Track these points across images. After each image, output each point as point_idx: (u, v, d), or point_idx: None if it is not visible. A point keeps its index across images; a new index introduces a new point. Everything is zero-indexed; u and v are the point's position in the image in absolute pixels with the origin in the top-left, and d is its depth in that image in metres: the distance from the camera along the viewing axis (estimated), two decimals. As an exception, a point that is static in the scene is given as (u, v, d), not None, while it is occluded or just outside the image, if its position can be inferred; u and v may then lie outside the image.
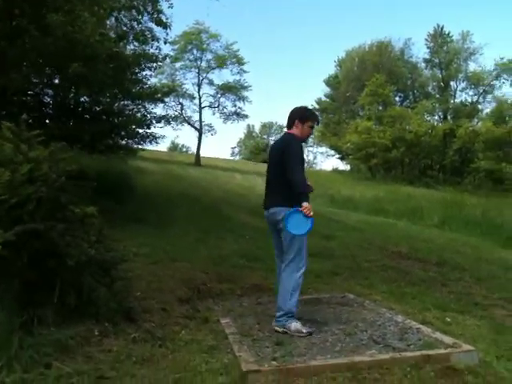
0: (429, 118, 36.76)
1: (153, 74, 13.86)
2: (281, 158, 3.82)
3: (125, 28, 11.18)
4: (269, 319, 3.87)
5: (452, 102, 37.31)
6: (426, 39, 37.91)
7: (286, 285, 3.68)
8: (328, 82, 45.08)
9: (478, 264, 7.40)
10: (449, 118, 36.86)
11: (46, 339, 2.85)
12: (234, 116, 35.99)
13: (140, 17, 10.41)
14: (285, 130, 4.30)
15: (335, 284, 5.39)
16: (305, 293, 4.88)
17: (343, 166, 43.96)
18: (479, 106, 37.15)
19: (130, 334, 3.22)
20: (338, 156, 44.64)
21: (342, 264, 6.50)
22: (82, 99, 11.60)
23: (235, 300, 4.55)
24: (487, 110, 36.33)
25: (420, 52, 40.96)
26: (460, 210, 14.12)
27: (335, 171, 39.97)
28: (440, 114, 38.13)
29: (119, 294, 3.59)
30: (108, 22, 10.98)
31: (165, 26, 10.45)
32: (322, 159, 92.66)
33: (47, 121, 10.99)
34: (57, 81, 11.25)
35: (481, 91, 36.69)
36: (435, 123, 36.27)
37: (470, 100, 37.47)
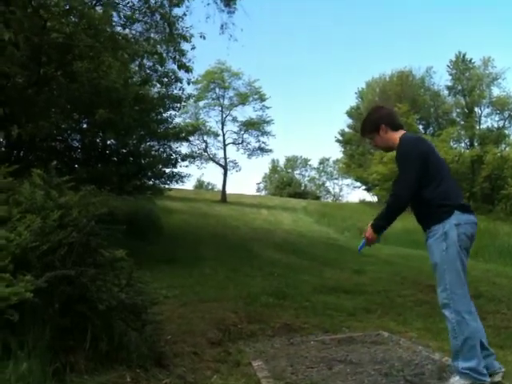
0: (455, 145, 36.40)
1: (177, 113, 14.18)
2: None
3: (148, 71, 11.49)
4: (302, 361, 3.77)
5: (478, 128, 36.92)
6: (448, 66, 37.92)
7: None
8: (350, 114, 45.23)
9: (515, 295, 7.14)
10: (475, 144, 36.41)
11: (79, 387, 2.83)
12: (258, 151, 36.34)
13: (163, 62, 10.69)
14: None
15: (369, 321, 5.24)
16: (338, 331, 4.78)
17: (370, 198, 43.61)
18: (506, 131, 36.68)
19: (162, 379, 3.17)
20: (364, 187, 44.34)
21: (374, 300, 6.35)
22: (109, 142, 11.88)
23: (266, 341, 4.46)
24: (514, 135, 35.85)
25: (441, 80, 40.90)
26: (493, 239, 13.73)
27: (362, 203, 39.66)
28: (466, 140, 37.73)
29: (150, 339, 3.56)
30: (132, 67, 11.31)
31: (187, 69, 10.71)
32: (348, 191, 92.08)
33: (76, 165, 11.26)
34: (84, 125, 11.59)
35: (506, 116, 36.28)
36: (462, 150, 35.83)
37: (496, 125, 37.08)
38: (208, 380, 3.30)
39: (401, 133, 3.30)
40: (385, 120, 3.36)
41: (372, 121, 3.46)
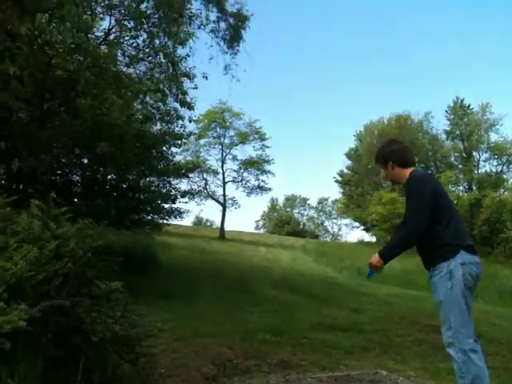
0: (453, 189, 36.58)
1: (178, 151, 14.31)
2: None
3: (151, 109, 11.67)
4: (298, 398, 3.70)
5: (476, 172, 37.22)
6: (446, 111, 38.53)
7: None
8: (349, 155, 45.69)
9: (515, 337, 7.06)
10: (474, 188, 36.64)
11: (69, 420, 2.77)
12: (258, 189, 36.45)
13: (165, 99, 10.88)
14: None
15: (366, 360, 5.16)
16: (335, 369, 4.70)
17: (368, 238, 43.53)
18: (504, 176, 36.99)
19: (155, 414, 3.11)
20: (362, 227, 44.33)
21: (372, 339, 6.27)
22: (109, 177, 11.94)
23: (262, 377, 4.37)
24: (512, 180, 36.12)
25: (440, 124, 41.43)
26: (493, 280, 13.66)
27: (361, 243, 39.52)
28: (465, 184, 37.98)
29: (143, 371, 3.51)
30: (135, 104, 11.50)
31: (189, 106, 10.89)
32: (346, 231, 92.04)
33: (75, 199, 11.29)
34: (85, 160, 11.68)
35: (504, 161, 36.61)
36: (460, 194, 36.00)
37: (494, 170, 37.38)
38: (201, 415, 3.23)
39: (410, 169, 3.33)
40: (393, 157, 3.41)
41: (381, 155, 3.53)
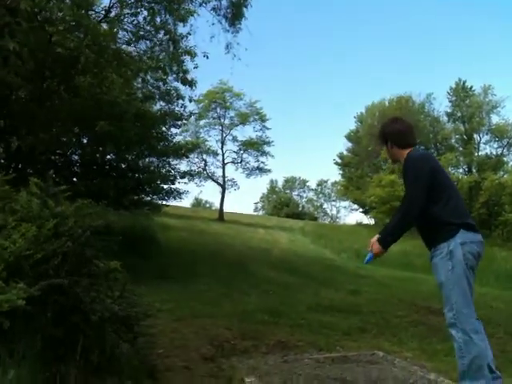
0: (453, 171, 36.51)
1: (178, 131, 14.21)
2: None
3: (151, 88, 11.56)
4: (295, 378, 3.73)
5: (476, 154, 37.12)
6: (448, 93, 38.23)
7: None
8: (349, 137, 45.46)
9: (512, 319, 7.11)
10: (474, 170, 36.57)
11: (69, 398, 2.78)
12: (257, 171, 36.33)
13: (166, 77, 10.75)
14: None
15: (364, 341, 5.20)
16: (332, 350, 4.74)
17: (367, 220, 43.61)
18: (504, 159, 36.86)
19: (153, 393, 3.13)
20: (361, 210, 44.37)
21: (370, 320, 6.31)
22: (109, 156, 11.90)
23: (260, 358, 4.40)
24: (513, 163, 36.04)
25: (441, 106, 41.10)
26: (490, 263, 13.71)
27: (359, 225, 39.60)
28: (464, 167, 37.91)
29: (142, 351, 3.52)
30: (135, 83, 11.39)
31: (190, 84, 10.75)
32: (345, 213, 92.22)
33: (74, 179, 11.26)
34: (85, 140, 11.62)
35: (505, 144, 36.50)
36: (460, 176, 35.96)
37: (494, 152, 37.28)
38: (199, 395, 3.26)
39: (409, 149, 3.30)
40: (392, 137, 3.38)
41: (381, 134, 3.52)
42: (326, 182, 67.75)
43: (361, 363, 4.24)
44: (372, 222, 41.34)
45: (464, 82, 37.76)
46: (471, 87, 37.52)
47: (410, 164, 3.19)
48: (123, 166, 12.04)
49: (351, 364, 4.22)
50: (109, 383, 3.08)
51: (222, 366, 4.03)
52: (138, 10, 9.95)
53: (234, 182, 36.66)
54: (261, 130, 35.86)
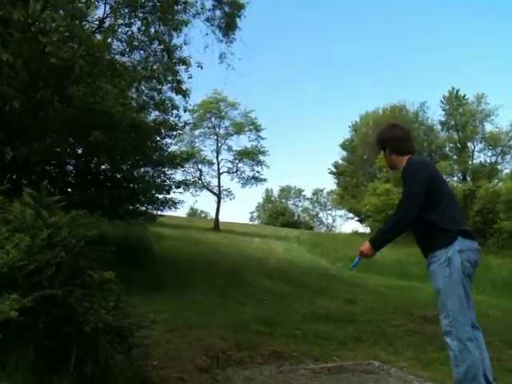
0: (448, 179, 36.65)
1: (173, 141, 14.20)
2: None
3: (145, 98, 11.58)
4: (291, 388, 3.71)
5: (470, 162, 37.33)
6: (442, 101, 38.53)
7: None
8: (344, 146, 45.66)
9: (508, 327, 7.10)
10: (468, 179, 36.77)
11: (61, 410, 2.75)
12: (252, 180, 36.29)
13: (160, 86, 10.77)
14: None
15: (359, 350, 5.18)
16: (328, 360, 4.72)
17: (363, 229, 43.63)
18: (498, 167, 37.11)
19: (147, 404, 3.10)
20: (357, 219, 44.42)
21: (365, 329, 6.29)
22: (103, 166, 11.87)
23: (255, 368, 4.37)
24: (507, 171, 36.24)
25: (435, 115, 41.36)
26: (486, 271, 13.73)
27: (355, 234, 39.62)
28: (459, 175, 38.10)
29: (136, 362, 3.49)
30: (129, 93, 11.40)
31: (184, 94, 10.79)
32: (341, 222, 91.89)
33: (69, 189, 11.22)
34: (79, 150, 11.60)
35: (499, 152, 36.71)
36: (455, 184, 36.10)
37: (488, 161, 37.49)
38: (194, 406, 3.23)
39: (407, 157, 3.30)
40: (390, 144, 3.39)
41: (379, 140, 3.51)
42: (321, 191, 67.89)
43: (357, 373, 4.23)
44: (368, 230, 41.32)
45: (457, 91, 38.08)
46: (464, 96, 37.85)
47: (408, 171, 3.20)
48: (118, 175, 12.01)
49: (347, 374, 4.20)
50: (102, 395, 3.06)
51: (216, 376, 4.00)
52: (132, 20, 9.99)
53: (230, 191, 36.66)
54: (256, 139, 35.92)
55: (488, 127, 36.93)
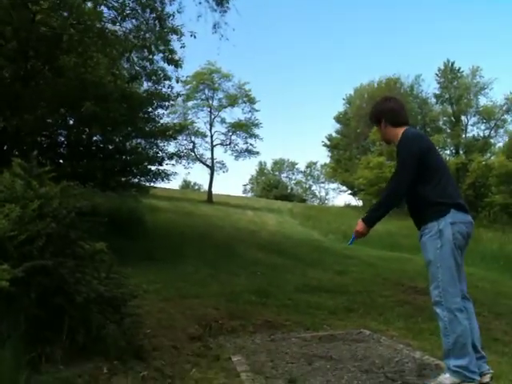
0: (441, 153, 36.63)
1: (165, 112, 14.06)
2: None
3: (137, 68, 11.40)
4: (282, 356, 3.76)
5: (464, 136, 37.31)
6: (437, 74, 38.20)
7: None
8: (338, 119, 45.43)
9: (496, 299, 7.22)
10: (461, 152, 36.79)
11: (54, 377, 2.78)
12: (246, 153, 36.16)
13: (152, 56, 10.59)
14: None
15: (350, 320, 5.25)
16: (319, 329, 4.78)
17: (355, 202, 43.80)
18: (491, 140, 37.09)
19: (140, 372, 3.13)
20: (349, 192, 44.54)
21: (356, 300, 6.37)
22: (95, 138, 11.77)
23: (247, 337, 4.43)
24: (500, 144, 36.25)
25: (430, 88, 41.19)
26: (476, 244, 13.86)
27: (348, 207, 39.78)
28: (452, 148, 38.11)
29: (129, 332, 3.52)
30: (120, 63, 11.21)
31: (176, 64, 10.63)
32: (333, 195, 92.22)
33: (61, 161, 11.13)
34: (71, 122, 11.47)
35: (492, 125, 36.68)
36: (447, 158, 36.15)
37: (481, 134, 37.47)
38: (187, 373, 3.26)
39: (403, 128, 3.27)
40: (385, 115, 3.35)
41: (374, 113, 3.47)
42: (314, 164, 67.82)
43: (347, 341, 4.29)
44: (360, 203, 41.51)
45: (452, 64, 37.76)
46: (459, 69, 37.54)
47: (402, 144, 3.18)
48: (110, 147, 11.92)
49: (337, 342, 4.26)
50: (95, 363, 3.09)
51: (209, 344, 4.05)
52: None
53: (223, 164, 36.54)
54: (249, 112, 35.68)
55: (482, 101, 36.80)
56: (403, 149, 3.16)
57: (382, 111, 3.40)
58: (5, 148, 9.79)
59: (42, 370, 2.81)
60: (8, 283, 2.78)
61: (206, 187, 39.50)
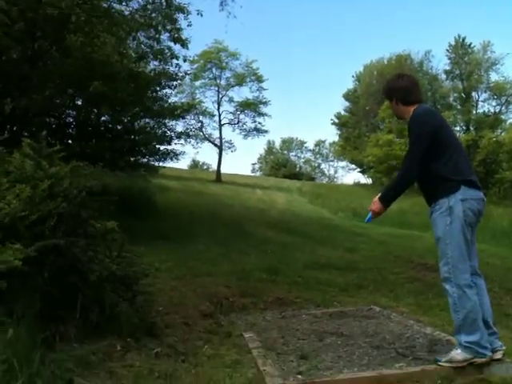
0: (451, 130, 36.25)
1: (173, 92, 13.98)
2: None
3: (144, 47, 11.32)
4: (293, 333, 3.79)
5: (474, 112, 36.84)
6: (447, 50, 37.59)
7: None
8: (347, 97, 44.99)
9: (507, 275, 7.20)
10: (471, 128, 36.38)
11: (68, 355, 2.81)
12: (254, 132, 36.10)
13: (158, 35, 10.51)
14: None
15: (361, 297, 5.27)
16: (330, 306, 4.81)
17: (365, 180, 43.68)
18: (502, 117, 36.58)
19: (153, 349, 3.17)
20: (359, 170, 44.38)
21: (366, 277, 6.38)
22: (104, 118, 11.75)
23: (258, 314, 4.48)
24: (511, 120, 35.81)
25: (440, 64, 40.41)
26: (487, 220, 13.79)
27: (357, 185, 39.71)
28: (462, 125, 37.69)
29: (141, 309, 3.56)
30: (127, 43, 11.14)
31: (183, 43, 10.54)
32: (342, 173, 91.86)
33: (69, 141, 11.15)
34: (79, 102, 11.45)
35: (503, 101, 36.17)
36: (458, 134, 35.78)
37: (492, 110, 36.98)
38: (199, 349, 3.30)
39: (415, 106, 3.23)
40: (397, 94, 3.31)
41: (386, 90, 3.44)
42: (323, 142, 67.51)
43: (357, 318, 4.31)
44: (369, 181, 41.43)
45: (463, 39, 37.09)
46: (470, 44, 36.88)
47: (414, 121, 3.15)
48: (119, 127, 11.91)
49: (348, 319, 4.28)
50: (108, 340, 3.13)
51: (220, 322, 4.10)
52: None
53: (231, 143, 36.55)
54: (257, 90, 35.45)
55: (493, 76, 36.20)
56: (415, 126, 3.13)
57: (393, 89, 3.36)
58: (14, 129, 9.81)
59: (56, 348, 2.85)
60: (21, 262, 2.81)
61: (214, 167, 39.58)
